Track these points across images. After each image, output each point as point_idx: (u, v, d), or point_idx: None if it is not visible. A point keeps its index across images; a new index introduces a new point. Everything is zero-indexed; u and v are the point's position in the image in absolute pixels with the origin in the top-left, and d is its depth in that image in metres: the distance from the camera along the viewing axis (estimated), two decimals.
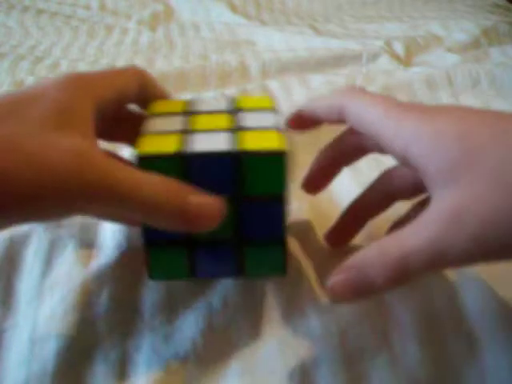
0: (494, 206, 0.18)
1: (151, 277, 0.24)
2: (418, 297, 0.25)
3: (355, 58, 0.57)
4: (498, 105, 0.46)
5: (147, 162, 0.21)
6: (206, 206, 0.20)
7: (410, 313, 0.24)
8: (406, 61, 0.58)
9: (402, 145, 0.21)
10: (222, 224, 0.21)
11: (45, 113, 0.20)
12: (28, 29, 0.70)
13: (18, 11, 0.76)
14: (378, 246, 0.20)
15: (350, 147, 0.27)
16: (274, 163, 0.21)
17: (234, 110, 0.25)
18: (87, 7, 0.78)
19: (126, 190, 0.19)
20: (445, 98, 0.48)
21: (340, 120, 0.24)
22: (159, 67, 0.57)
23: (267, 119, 0.24)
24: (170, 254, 0.23)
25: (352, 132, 0.26)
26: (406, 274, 0.19)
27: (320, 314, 0.24)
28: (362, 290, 0.20)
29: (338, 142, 0.27)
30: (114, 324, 0.24)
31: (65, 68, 0.55)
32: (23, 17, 0.74)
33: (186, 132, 0.23)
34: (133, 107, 0.27)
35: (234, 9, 0.78)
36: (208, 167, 0.21)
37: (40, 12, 0.76)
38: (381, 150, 0.24)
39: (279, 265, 0.24)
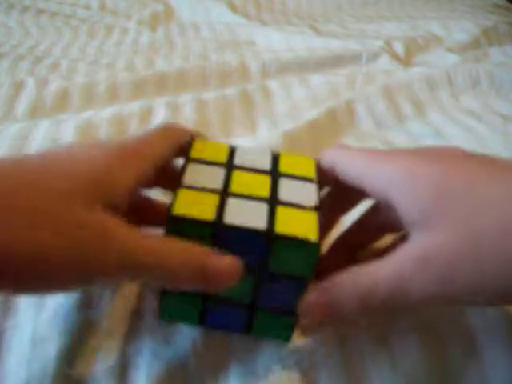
0: (459, 254, 0.19)
1: (160, 318, 0.24)
2: None
3: (355, 57, 0.57)
4: (498, 105, 0.46)
5: (179, 223, 0.20)
6: (225, 266, 0.21)
7: (409, 313, 0.24)
8: (405, 61, 0.58)
9: (382, 189, 0.22)
10: (240, 288, 0.21)
11: (78, 183, 0.19)
12: (28, 29, 0.70)
13: (17, 11, 0.76)
14: (352, 273, 0.21)
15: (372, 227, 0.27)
16: (306, 252, 0.21)
17: (276, 174, 0.24)
18: (87, 7, 0.79)
19: (150, 265, 0.19)
20: (445, 97, 0.48)
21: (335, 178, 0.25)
22: (159, 67, 0.57)
23: (307, 193, 0.23)
24: (183, 301, 0.23)
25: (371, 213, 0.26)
26: (372, 304, 0.20)
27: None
28: (330, 313, 0.21)
29: (359, 223, 0.27)
30: (114, 325, 0.24)
31: (65, 68, 0.55)
32: (23, 17, 0.74)
33: (224, 194, 0.22)
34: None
35: (233, 9, 0.78)
36: (239, 241, 0.21)
37: (40, 12, 0.76)
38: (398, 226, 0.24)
39: (286, 334, 0.24)
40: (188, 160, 0.24)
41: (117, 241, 0.19)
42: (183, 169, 0.23)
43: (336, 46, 0.61)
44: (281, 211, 0.21)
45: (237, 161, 0.25)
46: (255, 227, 0.20)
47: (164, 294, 0.23)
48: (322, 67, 0.56)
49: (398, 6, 0.80)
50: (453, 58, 0.57)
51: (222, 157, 0.25)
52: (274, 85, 0.50)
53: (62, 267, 0.18)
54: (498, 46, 0.61)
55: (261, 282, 0.22)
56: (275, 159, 0.25)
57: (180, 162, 0.25)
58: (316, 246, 0.20)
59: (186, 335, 0.24)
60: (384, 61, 0.56)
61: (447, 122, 0.45)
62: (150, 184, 0.25)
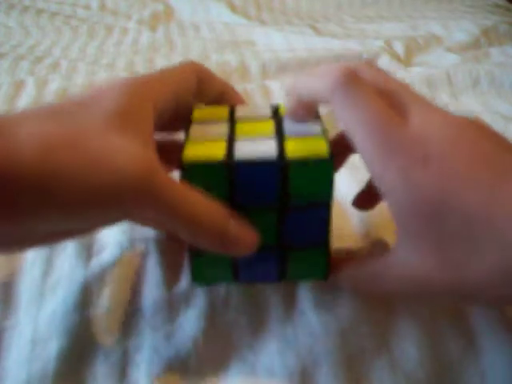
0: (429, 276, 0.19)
1: (194, 281, 0.24)
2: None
3: (355, 58, 0.57)
4: (498, 105, 0.46)
5: (193, 170, 0.20)
6: (244, 235, 0.21)
7: (409, 313, 0.24)
8: (405, 61, 0.58)
9: (384, 190, 0.20)
10: (266, 231, 0.21)
11: (107, 114, 0.19)
12: (28, 29, 0.70)
13: (17, 11, 0.76)
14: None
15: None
16: (322, 170, 0.21)
17: (278, 117, 0.24)
18: (87, 7, 0.78)
19: (177, 204, 0.19)
20: (445, 97, 0.48)
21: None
22: (159, 67, 0.56)
23: (311, 127, 0.23)
24: (213, 260, 0.23)
25: None
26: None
27: (320, 314, 0.24)
28: None
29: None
30: (114, 323, 0.24)
31: (65, 68, 0.55)
32: (23, 17, 0.74)
33: (231, 139, 0.22)
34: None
35: (233, 9, 0.78)
36: (254, 175, 0.21)
37: (40, 12, 0.76)
38: None
39: (322, 269, 0.24)
40: (190, 123, 0.24)
41: (154, 174, 0.19)
42: (187, 130, 0.23)
43: (336, 45, 0.61)
44: (289, 142, 0.22)
45: (238, 115, 0.25)
46: (266, 158, 0.20)
47: (194, 257, 0.23)
48: None
49: (398, 6, 0.80)
50: (453, 58, 0.57)
51: (224, 114, 0.25)
52: (274, 85, 0.50)
53: (100, 190, 0.18)
54: (498, 46, 0.61)
55: (284, 220, 0.22)
56: (276, 109, 0.25)
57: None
58: (329, 162, 0.20)
59: (187, 332, 0.24)
60: (384, 61, 0.56)
61: None
62: (172, 120, 0.25)
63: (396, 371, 0.22)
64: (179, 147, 0.22)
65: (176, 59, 0.59)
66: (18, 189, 0.16)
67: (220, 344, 0.23)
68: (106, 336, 0.24)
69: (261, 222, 0.21)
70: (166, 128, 0.25)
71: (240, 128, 0.23)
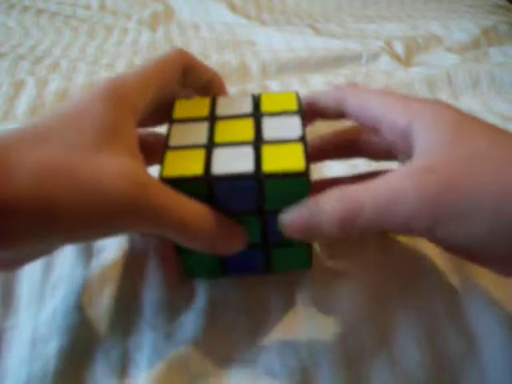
0: (455, 179, 0.18)
1: (187, 276, 0.26)
2: (417, 297, 0.25)
3: (355, 57, 0.57)
4: (498, 105, 0.46)
5: (173, 184, 0.21)
6: (232, 236, 0.22)
7: (409, 313, 0.24)
8: (405, 61, 0.58)
9: (406, 121, 0.22)
10: (250, 231, 0.23)
11: (93, 134, 0.20)
12: (28, 29, 0.70)
13: (17, 11, 0.76)
14: (336, 192, 0.21)
15: (346, 142, 0.28)
16: (297, 184, 0.21)
17: (258, 115, 0.24)
18: (87, 7, 0.78)
19: (170, 215, 0.20)
20: (445, 97, 0.48)
21: (340, 112, 0.25)
22: None
23: (291, 126, 0.23)
24: (201, 257, 0.24)
25: (351, 132, 0.27)
26: (354, 224, 0.20)
27: (320, 313, 0.24)
28: (308, 232, 0.21)
29: (336, 134, 0.28)
30: (115, 323, 0.24)
31: (65, 68, 0.55)
32: (23, 17, 0.74)
33: (210, 145, 0.23)
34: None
35: (233, 9, 0.78)
36: (232, 188, 0.21)
37: (40, 12, 0.75)
38: (373, 154, 0.27)
39: (304, 260, 0.25)
40: (171, 121, 0.24)
41: (142, 188, 0.19)
42: (168, 131, 0.24)
43: (336, 45, 0.61)
44: (267, 150, 0.22)
45: (219, 111, 0.25)
46: (243, 171, 0.21)
47: (182, 254, 0.24)
48: (322, 67, 0.56)
49: (398, 6, 0.80)
50: (453, 58, 0.57)
51: (205, 110, 0.25)
52: (274, 85, 0.50)
53: (89, 214, 0.18)
54: (498, 46, 0.61)
55: (266, 222, 0.23)
56: (256, 101, 0.26)
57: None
58: (305, 175, 0.21)
59: (187, 332, 0.24)
60: (384, 61, 0.56)
61: None
62: (155, 113, 0.25)
63: (396, 371, 0.22)
64: (160, 141, 0.23)
65: None
66: (14, 217, 0.17)
67: (220, 344, 0.23)
68: (106, 336, 0.24)
69: (244, 224, 0.22)
70: (147, 122, 0.25)
71: (220, 129, 0.24)
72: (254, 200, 0.22)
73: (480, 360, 0.22)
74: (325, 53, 0.58)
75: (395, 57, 0.58)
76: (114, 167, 0.19)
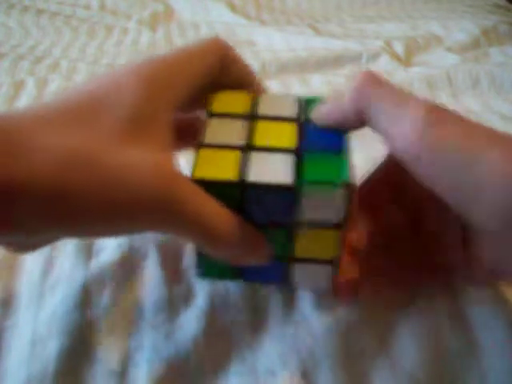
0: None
1: (198, 276, 0.24)
2: (418, 298, 0.25)
3: (355, 57, 0.57)
4: (498, 105, 0.46)
5: (203, 185, 0.20)
6: (257, 249, 0.21)
7: (409, 314, 0.24)
8: (405, 61, 0.58)
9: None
10: (276, 244, 0.21)
11: (119, 122, 0.18)
12: (28, 29, 0.70)
13: (17, 11, 0.75)
14: None
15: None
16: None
17: (301, 121, 0.23)
18: (87, 7, 0.78)
19: (198, 218, 0.19)
20: (445, 97, 0.48)
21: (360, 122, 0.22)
22: None
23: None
24: (220, 260, 0.22)
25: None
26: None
27: (320, 313, 0.24)
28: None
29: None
30: (114, 323, 0.24)
31: (65, 68, 0.55)
32: (23, 17, 0.74)
33: (247, 149, 0.21)
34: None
35: (233, 9, 0.78)
36: (266, 197, 0.20)
37: (40, 12, 0.75)
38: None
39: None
40: (209, 114, 0.23)
41: (170, 187, 0.18)
42: (205, 125, 0.22)
43: (336, 45, 0.61)
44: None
45: (261, 110, 0.23)
46: (282, 182, 0.20)
47: (200, 255, 0.23)
48: (322, 67, 0.56)
49: (398, 6, 0.80)
50: (453, 58, 0.57)
51: (245, 107, 0.24)
52: (274, 85, 0.50)
53: (112, 208, 0.17)
54: (498, 46, 0.61)
55: (295, 236, 0.21)
56: (301, 104, 0.24)
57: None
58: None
59: (187, 332, 0.24)
60: (384, 61, 0.56)
61: None
62: (190, 103, 0.23)
63: (396, 371, 0.22)
64: (195, 125, 0.22)
65: None
66: (23, 200, 0.16)
67: (220, 344, 0.23)
68: (106, 336, 0.24)
69: (270, 235, 0.21)
70: (181, 111, 0.23)
71: (260, 130, 0.22)
72: (286, 212, 0.20)
73: (480, 360, 0.22)
74: (325, 53, 0.58)
75: (395, 57, 0.58)
76: (142, 161, 0.18)
